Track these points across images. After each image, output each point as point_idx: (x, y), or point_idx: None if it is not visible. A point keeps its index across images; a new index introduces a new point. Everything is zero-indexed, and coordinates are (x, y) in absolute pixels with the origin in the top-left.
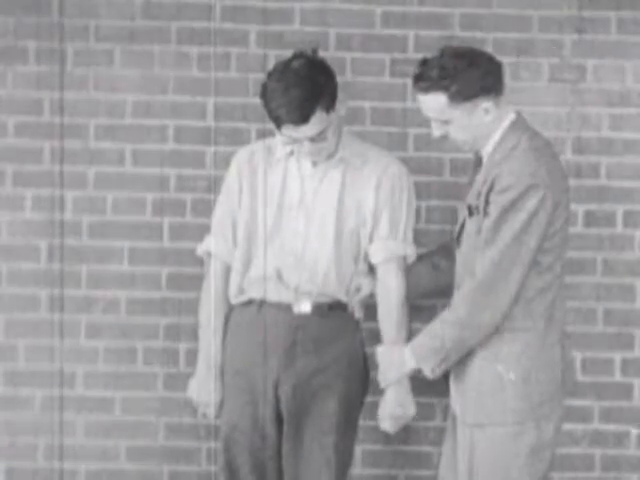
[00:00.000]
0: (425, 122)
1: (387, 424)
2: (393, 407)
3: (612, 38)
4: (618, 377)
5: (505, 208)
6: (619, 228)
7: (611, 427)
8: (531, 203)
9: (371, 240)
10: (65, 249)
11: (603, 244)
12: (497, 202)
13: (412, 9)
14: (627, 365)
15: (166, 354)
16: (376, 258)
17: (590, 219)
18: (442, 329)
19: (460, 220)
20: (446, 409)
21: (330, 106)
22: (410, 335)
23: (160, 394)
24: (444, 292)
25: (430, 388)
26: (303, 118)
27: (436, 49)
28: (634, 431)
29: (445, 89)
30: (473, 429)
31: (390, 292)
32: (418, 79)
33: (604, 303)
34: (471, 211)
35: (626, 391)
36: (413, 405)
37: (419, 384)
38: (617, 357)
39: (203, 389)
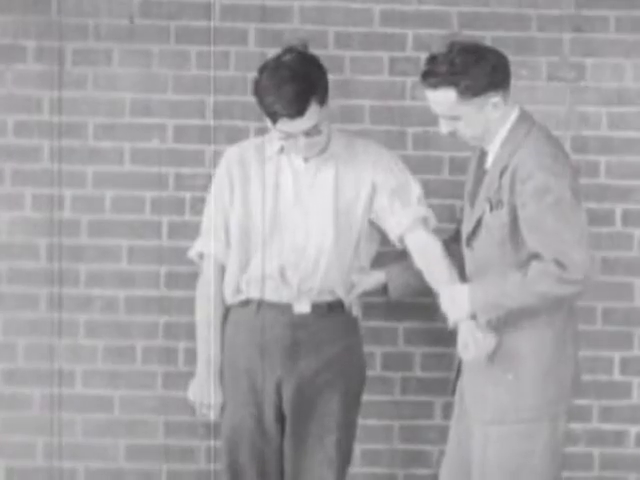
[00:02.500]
0: (424, 120)
1: (471, 350)
2: (470, 334)
3: (611, 37)
4: (617, 376)
5: (540, 195)
6: (618, 227)
7: (610, 426)
8: (563, 182)
9: (384, 220)
10: (64, 248)
11: (602, 243)
12: (526, 191)
13: (411, 7)
14: (626, 364)
15: (165, 353)
16: (398, 230)
17: (589, 218)
18: (511, 290)
19: (470, 219)
20: (445, 408)
21: (323, 99)
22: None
23: (159, 393)
24: None
25: (429, 387)
26: (299, 111)
27: (440, 45)
28: None
29: (455, 85)
30: (488, 427)
31: (429, 247)
32: (427, 75)
33: (603, 302)
34: (492, 205)
35: (625, 390)
36: (492, 334)
37: (417, 384)
38: (616, 356)
39: (204, 391)
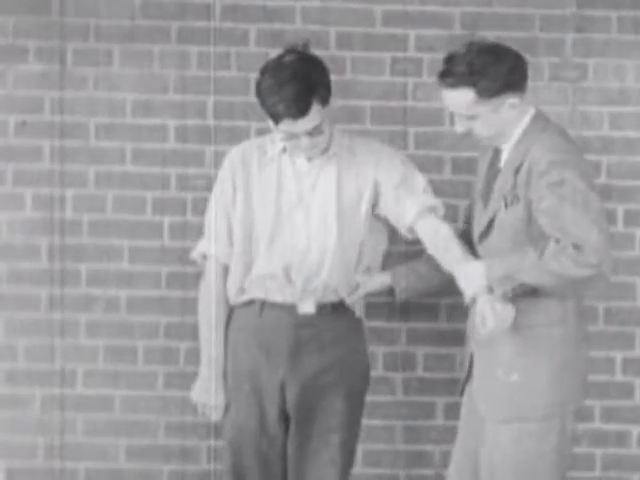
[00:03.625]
0: (426, 121)
1: (489, 322)
2: (489, 306)
3: (613, 37)
4: (619, 376)
5: (557, 187)
6: (620, 227)
7: (612, 426)
8: (579, 172)
9: (392, 214)
10: (65, 248)
11: None
12: (543, 185)
13: (413, 8)
14: (628, 364)
15: (166, 353)
16: (407, 220)
17: None
18: (528, 266)
19: (483, 218)
20: (448, 408)
21: (325, 99)
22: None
23: (160, 393)
24: (447, 291)
25: (431, 387)
26: (301, 111)
27: (457, 46)
28: None
29: (473, 85)
30: (500, 426)
31: (440, 232)
32: (445, 75)
33: (605, 302)
34: (507, 202)
35: (627, 390)
36: (511, 306)
37: (419, 384)
38: (618, 356)
39: (207, 392)
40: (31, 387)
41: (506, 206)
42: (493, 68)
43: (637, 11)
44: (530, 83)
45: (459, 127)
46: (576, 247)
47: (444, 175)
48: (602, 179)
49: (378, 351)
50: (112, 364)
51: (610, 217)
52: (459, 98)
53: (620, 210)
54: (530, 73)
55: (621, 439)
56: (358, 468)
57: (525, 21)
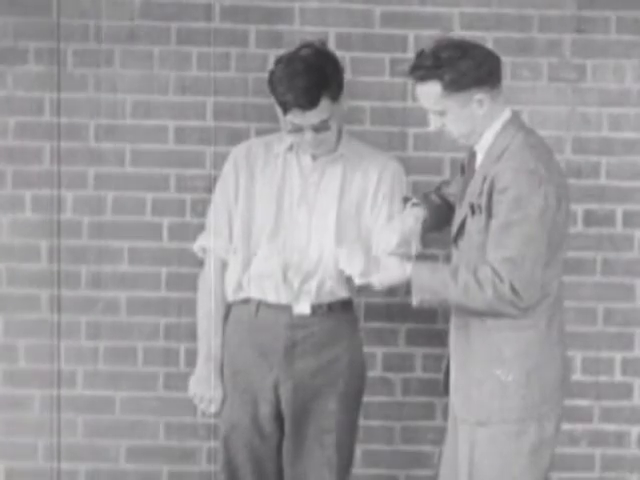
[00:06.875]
0: (425, 121)
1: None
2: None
3: (612, 38)
4: (618, 377)
5: (510, 208)
6: (619, 228)
7: (611, 427)
8: (536, 201)
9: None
10: (65, 249)
11: (603, 244)
12: (500, 202)
13: (412, 9)
14: (627, 365)
15: (166, 354)
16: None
17: (590, 219)
18: (455, 287)
19: (457, 219)
20: (446, 409)
21: (336, 95)
22: None
23: (160, 394)
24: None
25: (430, 388)
26: (310, 103)
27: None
28: None
29: (439, 78)
30: (474, 428)
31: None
32: (414, 69)
33: (604, 303)
34: (473, 210)
35: (626, 391)
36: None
37: (418, 385)
38: (617, 357)
39: (204, 385)
40: (31, 388)
41: (472, 214)
42: (459, 62)
43: (636, 12)
44: (529, 84)
45: (432, 123)
46: (512, 288)
47: (443, 176)
48: (601, 180)
49: (377, 352)
50: (112, 365)
51: (609, 218)
52: (427, 91)
53: (619, 211)
54: (529, 74)
55: (620, 439)
56: (357, 468)
57: (524, 21)
